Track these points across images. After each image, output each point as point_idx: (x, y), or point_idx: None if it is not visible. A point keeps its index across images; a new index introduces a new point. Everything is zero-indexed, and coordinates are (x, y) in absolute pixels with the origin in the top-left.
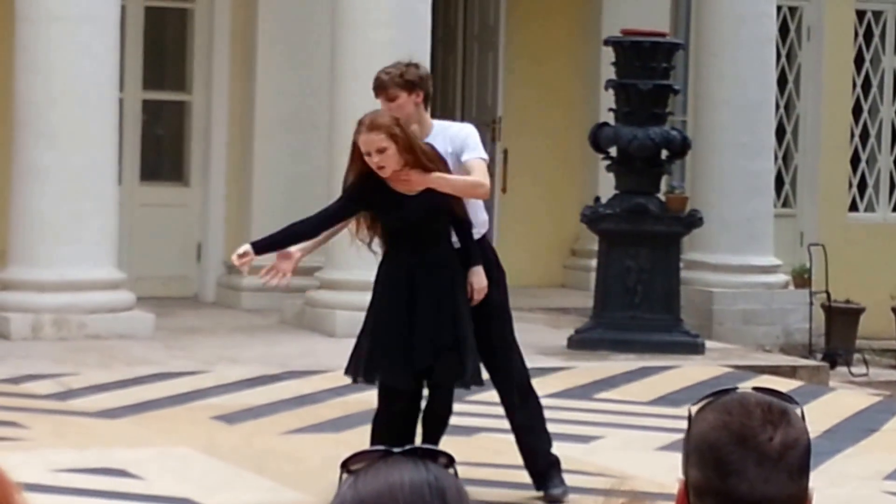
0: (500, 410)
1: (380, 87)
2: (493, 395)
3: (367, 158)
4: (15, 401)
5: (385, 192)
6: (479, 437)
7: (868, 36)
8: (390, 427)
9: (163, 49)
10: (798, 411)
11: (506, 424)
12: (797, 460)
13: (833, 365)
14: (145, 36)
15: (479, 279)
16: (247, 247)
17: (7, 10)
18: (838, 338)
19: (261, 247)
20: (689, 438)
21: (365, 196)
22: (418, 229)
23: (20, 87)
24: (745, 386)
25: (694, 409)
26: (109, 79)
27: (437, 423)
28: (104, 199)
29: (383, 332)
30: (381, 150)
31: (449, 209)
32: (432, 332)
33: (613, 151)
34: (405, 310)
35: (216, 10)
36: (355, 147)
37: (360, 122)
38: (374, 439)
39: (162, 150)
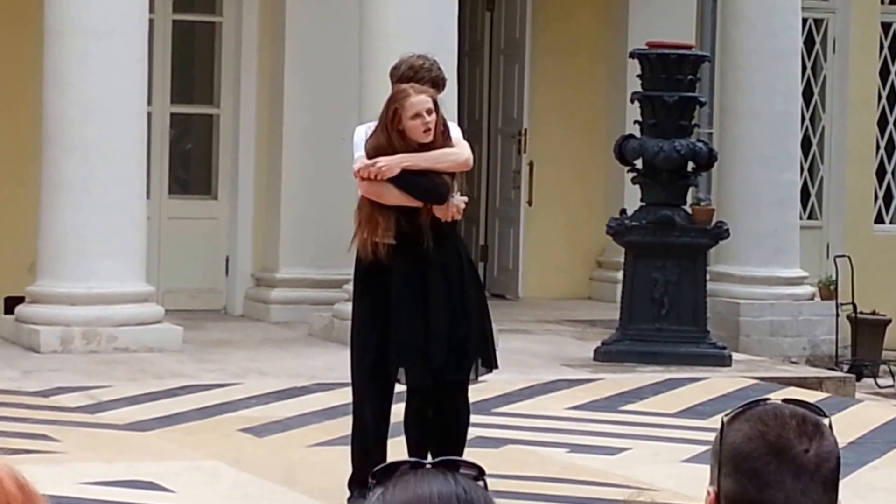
0: (528, 422)
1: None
2: (520, 407)
3: (414, 122)
4: (45, 413)
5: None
6: (506, 448)
7: (893, 48)
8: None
9: (191, 62)
10: (827, 423)
11: (535, 436)
12: (830, 473)
13: (859, 377)
14: (173, 49)
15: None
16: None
17: (36, 24)
18: (864, 349)
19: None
20: (722, 448)
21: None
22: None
23: (49, 100)
24: (774, 398)
25: (726, 419)
26: (137, 92)
27: (452, 432)
28: (133, 213)
29: (403, 329)
30: (429, 112)
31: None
32: (446, 328)
33: (639, 164)
34: (421, 307)
35: (244, 23)
36: (395, 114)
37: (401, 91)
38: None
39: (190, 163)
